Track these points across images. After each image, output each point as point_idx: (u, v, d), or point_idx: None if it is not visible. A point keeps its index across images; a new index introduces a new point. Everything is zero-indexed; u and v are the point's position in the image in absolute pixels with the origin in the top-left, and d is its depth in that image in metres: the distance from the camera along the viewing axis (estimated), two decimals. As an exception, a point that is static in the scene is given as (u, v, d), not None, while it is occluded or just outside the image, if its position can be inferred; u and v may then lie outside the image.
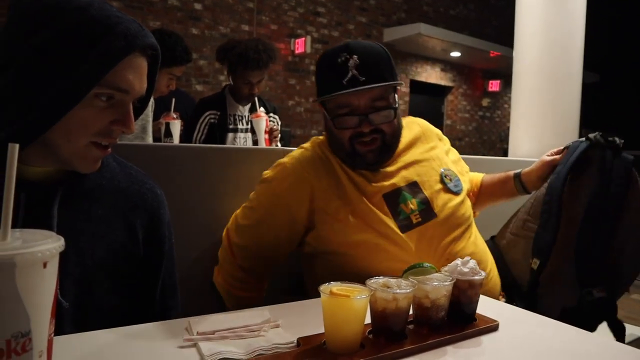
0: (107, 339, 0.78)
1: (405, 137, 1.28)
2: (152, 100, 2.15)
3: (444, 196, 1.22)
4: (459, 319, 0.89)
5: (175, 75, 2.28)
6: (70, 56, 0.74)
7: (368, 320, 0.78)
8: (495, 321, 0.91)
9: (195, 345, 0.76)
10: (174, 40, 2.22)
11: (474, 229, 1.30)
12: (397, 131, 1.21)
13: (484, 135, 10.27)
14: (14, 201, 0.52)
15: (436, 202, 1.20)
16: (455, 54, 8.78)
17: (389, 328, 0.78)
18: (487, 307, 0.98)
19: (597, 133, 1.34)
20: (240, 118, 2.48)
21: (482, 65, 9.72)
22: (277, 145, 2.41)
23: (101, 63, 0.75)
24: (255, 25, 6.68)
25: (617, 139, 1.30)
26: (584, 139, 1.37)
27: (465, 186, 1.31)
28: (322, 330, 0.77)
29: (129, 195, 0.92)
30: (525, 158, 2.58)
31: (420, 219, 1.18)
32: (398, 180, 1.21)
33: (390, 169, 1.22)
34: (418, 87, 8.90)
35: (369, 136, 1.15)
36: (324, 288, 0.74)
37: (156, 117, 2.29)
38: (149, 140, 2.11)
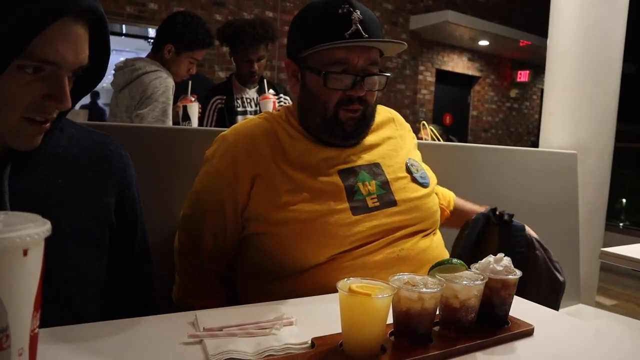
0: (106, 331, 0.73)
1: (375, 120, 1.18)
2: (173, 84, 2.10)
3: (409, 185, 1.11)
4: (489, 321, 0.81)
5: (196, 59, 2.22)
6: None
7: (389, 320, 0.71)
8: (530, 325, 0.83)
9: (200, 342, 0.70)
10: (196, 22, 2.16)
11: (438, 232, 1.17)
12: (376, 105, 1.12)
13: (511, 127, 10.01)
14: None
15: (398, 190, 1.09)
16: (484, 42, 8.54)
17: (413, 330, 0.70)
18: (520, 309, 0.89)
19: (489, 209, 1.29)
20: (248, 101, 2.49)
21: (511, 55, 9.45)
22: None
23: (21, 31, 0.65)
24: (280, 12, 6.59)
25: (505, 215, 1.25)
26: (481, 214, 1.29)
27: (433, 182, 1.19)
28: (338, 330, 0.70)
29: (92, 159, 0.86)
30: (557, 150, 2.45)
31: (377, 204, 1.05)
32: (357, 158, 1.10)
33: (351, 148, 1.11)
34: (444, 77, 8.70)
35: (355, 105, 1.05)
36: (342, 285, 0.67)
37: (174, 101, 2.25)
38: (169, 123, 2.06)
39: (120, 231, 0.89)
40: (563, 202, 2.28)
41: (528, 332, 0.82)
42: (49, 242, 0.69)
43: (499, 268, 0.80)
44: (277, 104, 2.43)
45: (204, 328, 0.73)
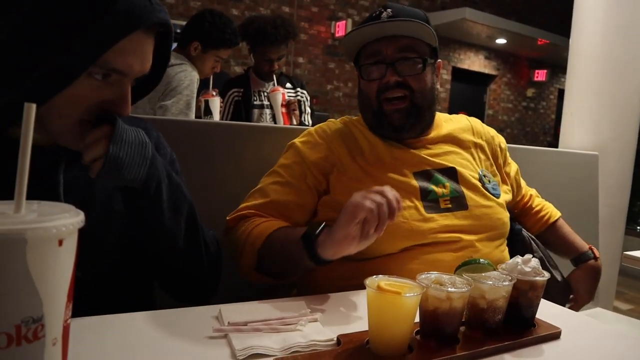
0: (131, 323, 0.73)
1: (449, 128, 1.20)
2: (197, 77, 2.10)
3: (481, 193, 1.12)
4: (516, 323, 0.80)
5: (221, 57, 2.24)
6: (64, 32, 0.67)
7: (416, 320, 0.70)
8: (557, 328, 0.81)
9: (225, 336, 0.70)
10: (223, 22, 2.16)
11: (505, 242, 1.18)
12: (427, 91, 1.12)
13: (527, 127, 9.90)
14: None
15: (470, 197, 1.10)
16: (501, 40, 8.44)
17: (441, 330, 0.69)
18: (546, 311, 0.88)
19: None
20: (265, 95, 2.51)
21: (529, 54, 9.33)
22: (297, 120, 2.43)
23: (98, 42, 0.68)
24: (296, 7, 6.58)
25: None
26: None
27: (505, 196, 1.19)
28: (364, 328, 0.69)
29: None
30: (577, 150, 2.41)
31: (449, 206, 1.07)
32: (433, 161, 1.12)
33: (426, 151, 1.14)
34: (460, 75, 8.63)
35: (395, 91, 1.08)
36: (371, 282, 0.66)
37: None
38: (192, 116, 2.07)
39: None
40: (583, 204, 2.24)
41: (555, 335, 0.80)
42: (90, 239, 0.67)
43: (527, 269, 0.79)
44: (291, 97, 2.46)
45: (228, 322, 0.72)
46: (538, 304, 0.82)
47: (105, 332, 0.69)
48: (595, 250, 1.29)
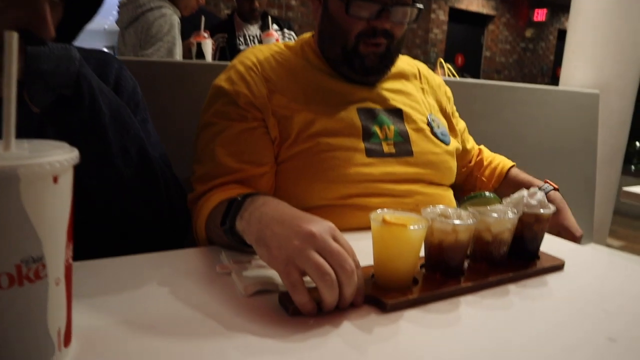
0: (135, 263, 0.73)
1: (399, 67, 1.12)
2: (178, 20, 2.02)
3: (429, 138, 1.05)
4: (521, 256, 0.80)
5: None
6: None
7: (421, 254, 0.70)
8: (561, 260, 0.81)
9: (230, 274, 0.69)
10: None
11: (451, 191, 1.11)
12: (402, 40, 1.04)
13: (525, 68, 9.75)
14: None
15: (416, 142, 1.02)
16: (500, -22, 8.17)
17: (446, 263, 0.69)
18: (548, 245, 0.88)
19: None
20: (251, 38, 2.43)
21: (528, -8, 9.06)
22: None
23: None
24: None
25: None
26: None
27: (454, 144, 1.12)
28: (370, 262, 0.69)
29: (100, 79, 0.78)
30: (579, 89, 2.37)
31: (393, 151, 0.99)
32: (379, 100, 1.04)
33: (373, 89, 1.05)
34: (457, 16, 8.39)
35: (380, 38, 0.98)
36: (376, 216, 0.65)
37: (184, 38, 2.17)
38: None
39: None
40: (582, 142, 2.23)
41: (559, 266, 0.81)
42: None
43: (534, 202, 0.78)
44: (280, 41, 2.37)
45: (232, 260, 0.72)
46: (542, 237, 0.82)
47: (108, 274, 0.69)
48: (551, 183, 1.21)
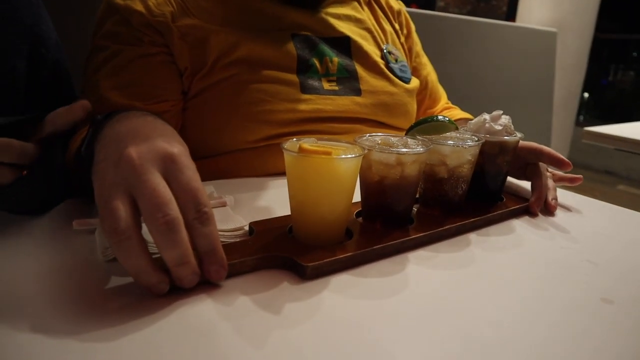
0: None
1: None
2: None
3: (383, 74, 0.87)
4: (481, 197, 0.64)
5: None
6: None
7: (356, 197, 0.52)
8: (526, 200, 0.66)
9: (93, 233, 0.50)
10: None
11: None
12: None
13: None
14: None
15: (366, 79, 0.85)
16: None
17: (389, 208, 0.52)
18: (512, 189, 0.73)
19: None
20: None
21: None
22: None
23: None
24: None
25: None
26: None
27: (415, 83, 0.94)
28: (286, 212, 0.51)
29: None
30: (536, 26, 2.24)
31: (335, 88, 0.82)
32: (321, 28, 0.84)
33: (314, 12, 0.85)
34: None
35: None
36: (290, 145, 0.46)
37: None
38: None
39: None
40: (539, 83, 2.14)
41: (526, 208, 0.66)
42: None
43: (498, 127, 0.62)
44: None
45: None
46: (507, 172, 0.66)
47: None
48: None
